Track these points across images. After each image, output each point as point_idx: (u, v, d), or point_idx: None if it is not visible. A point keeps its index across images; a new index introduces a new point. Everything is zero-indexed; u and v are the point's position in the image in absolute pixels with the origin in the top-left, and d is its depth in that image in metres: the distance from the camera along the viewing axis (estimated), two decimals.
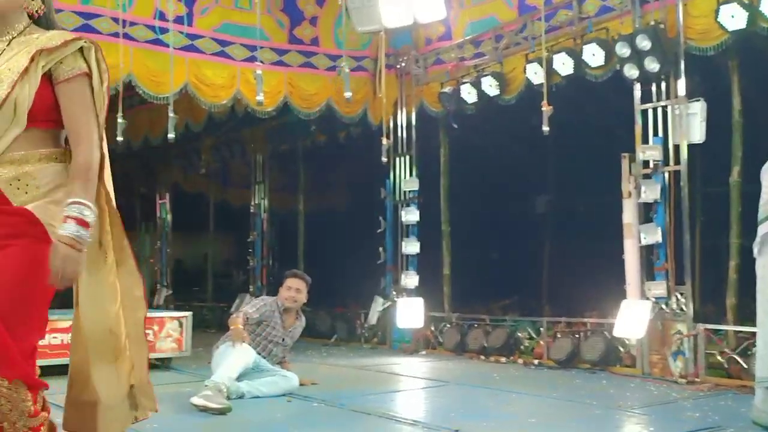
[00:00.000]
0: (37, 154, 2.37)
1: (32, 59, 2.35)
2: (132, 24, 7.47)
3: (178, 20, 7.67)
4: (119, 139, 7.71)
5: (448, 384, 6.52)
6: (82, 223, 2.29)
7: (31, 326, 2.37)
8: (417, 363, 8.04)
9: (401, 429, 4.61)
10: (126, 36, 7.37)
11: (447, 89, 8.64)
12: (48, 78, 2.39)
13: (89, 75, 2.43)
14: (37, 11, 2.49)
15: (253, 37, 7.94)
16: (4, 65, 2.35)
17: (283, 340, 6.04)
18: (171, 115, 7.51)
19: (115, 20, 7.30)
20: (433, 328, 9.02)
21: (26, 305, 2.31)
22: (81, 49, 2.43)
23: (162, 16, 7.59)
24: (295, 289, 6.10)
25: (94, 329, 2.65)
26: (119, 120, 7.53)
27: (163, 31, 7.57)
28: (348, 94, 7.84)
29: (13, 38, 2.43)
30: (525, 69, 7.79)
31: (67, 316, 7.04)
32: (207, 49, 8.02)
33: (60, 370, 6.65)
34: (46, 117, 2.39)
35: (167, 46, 7.52)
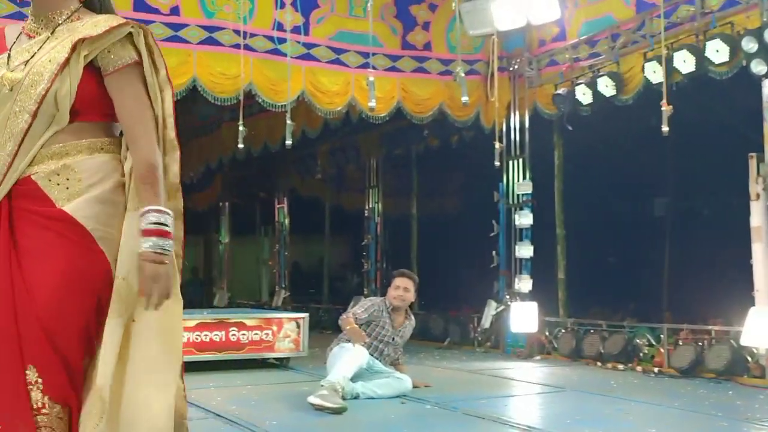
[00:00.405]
0: (79, 145, 2.16)
1: (73, 49, 2.12)
2: (252, 35, 7.76)
3: (296, 30, 7.91)
4: (240, 146, 8.04)
5: (563, 390, 6.41)
6: (163, 233, 2.09)
7: (78, 342, 2.08)
8: (531, 368, 7.94)
9: None
10: (246, 47, 7.67)
11: (561, 91, 8.50)
12: (94, 69, 2.17)
13: (140, 63, 2.20)
14: None
15: (367, 43, 8.09)
16: (46, 56, 2.13)
17: (393, 339, 6.10)
18: (288, 122, 7.76)
19: (237, 32, 7.61)
20: (547, 333, 8.88)
21: (72, 320, 2.06)
22: (130, 36, 2.19)
23: (280, 27, 7.85)
24: (402, 288, 6.15)
25: (140, 351, 2.13)
26: (240, 128, 7.85)
27: (281, 41, 7.82)
28: (465, 99, 7.84)
29: (59, 25, 2.20)
30: (643, 68, 7.56)
31: (194, 315, 7.45)
32: (323, 57, 8.24)
33: (186, 368, 6.99)
34: (92, 111, 2.18)
35: (285, 55, 7.77)
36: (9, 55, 2.18)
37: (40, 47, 2.16)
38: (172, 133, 2.24)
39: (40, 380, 1.97)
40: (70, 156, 2.14)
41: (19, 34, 2.24)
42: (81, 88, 2.13)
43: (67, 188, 2.11)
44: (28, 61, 2.14)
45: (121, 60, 2.16)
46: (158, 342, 2.13)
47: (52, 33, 2.18)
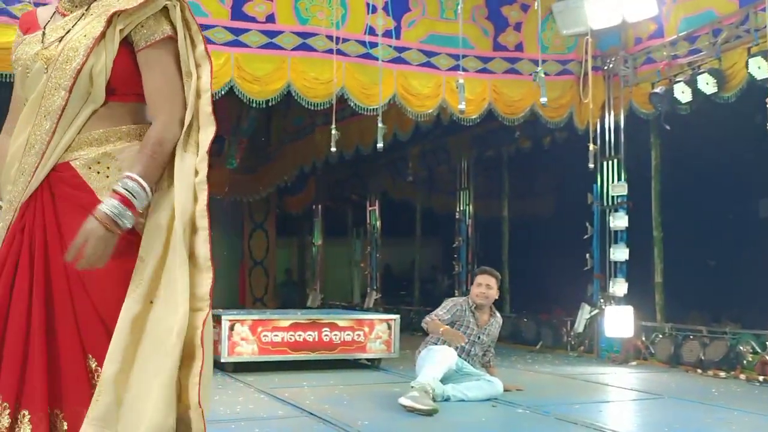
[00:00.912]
0: (118, 132, 2.11)
1: (109, 22, 2.07)
2: (344, 40, 7.89)
3: (387, 34, 7.99)
4: (333, 149, 8.18)
5: (661, 397, 6.23)
6: (127, 203, 1.97)
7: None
8: (627, 374, 7.75)
9: None
10: (339, 52, 7.80)
11: (658, 89, 8.27)
12: (128, 44, 2.11)
13: (174, 38, 2.13)
14: None
15: (458, 46, 8.08)
16: (80, 31, 2.08)
17: (479, 338, 6.06)
18: (380, 125, 7.84)
19: (330, 38, 7.75)
20: (643, 338, 8.64)
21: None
22: (165, 10, 2.12)
23: (372, 31, 7.95)
24: (485, 285, 6.11)
25: (152, 333, 2.00)
26: (333, 131, 7.99)
27: (373, 45, 7.92)
28: (544, 99, 7.74)
29: (93, 1, 2.15)
30: (747, 64, 7.26)
31: (288, 316, 7.62)
32: (414, 61, 8.28)
33: (280, 366, 7.19)
34: (128, 89, 2.12)
35: (377, 59, 7.86)
36: (44, 32, 2.14)
37: (75, 23, 2.12)
38: (208, 108, 2.14)
39: (99, 369, 1.99)
40: (110, 143, 2.09)
41: (53, 14, 2.21)
42: (116, 64, 2.08)
43: (107, 177, 2.07)
44: (62, 37, 2.10)
45: (154, 35, 2.10)
46: (172, 325, 1.98)
47: (87, 9, 2.14)
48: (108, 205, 1.95)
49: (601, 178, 9.19)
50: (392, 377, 7.13)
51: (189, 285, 2.02)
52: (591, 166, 8.82)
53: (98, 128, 2.09)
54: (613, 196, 9.07)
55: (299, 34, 7.74)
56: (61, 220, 2.04)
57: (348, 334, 7.50)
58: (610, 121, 9.10)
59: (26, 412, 1.97)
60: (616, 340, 8.77)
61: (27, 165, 2.07)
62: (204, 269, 2.06)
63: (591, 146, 8.72)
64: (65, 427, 1.99)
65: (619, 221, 8.92)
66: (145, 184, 2.00)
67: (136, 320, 1.99)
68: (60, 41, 2.10)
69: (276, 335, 7.21)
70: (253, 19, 7.55)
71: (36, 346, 1.97)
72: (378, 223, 14.42)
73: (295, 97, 7.85)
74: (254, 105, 7.84)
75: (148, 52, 2.10)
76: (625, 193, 8.98)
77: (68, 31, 2.11)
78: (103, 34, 2.06)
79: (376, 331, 7.61)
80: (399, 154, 12.95)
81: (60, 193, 2.06)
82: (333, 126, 8.00)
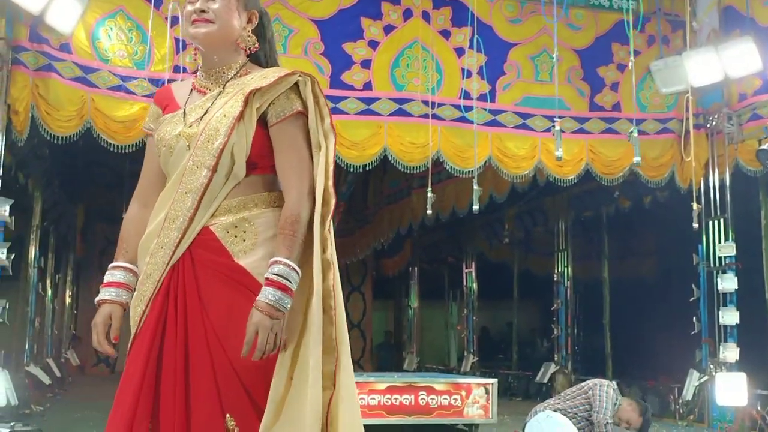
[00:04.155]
0: (255, 199, 2.19)
1: (246, 102, 2.16)
2: (439, 105, 8.02)
3: (482, 98, 8.08)
4: (429, 212, 8.25)
5: None
6: (284, 288, 2.04)
7: (266, 394, 2.08)
8: None
9: None
10: (434, 116, 7.93)
11: (766, 146, 7.97)
12: (263, 120, 2.20)
13: (304, 113, 2.21)
14: (250, 48, 2.29)
15: (553, 107, 8.08)
16: (219, 111, 2.18)
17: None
18: (476, 187, 7.87)
19: (425, 103, 7.91)
20: (759, 408, 8.14)
21: (261, 374, 2.09)
22: (296, 85, 2.20)
23: (467, 96, 8.06)
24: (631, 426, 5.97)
25: (292, 411, 2.08)
26: (429, 194, 8.07)
27: (468, 109, 8.02)
28: (637, 159, 7.57)
29: (229, 80, 2.25)
30: None
31: (384, 379, 7.61)
32: (509, 123, 8.32)
33: (376, 430, 7.17)
34: (265, 163, 2.21)
35: (472, 122, 7.94)
36: (184, 111, 2.24)
37: (213, 102, 2.21)
38: (329, 181, 2.19)
39: (237, 429, 2.05)
40: (247, 209, 2.17)
41: (191, 91, 2.30)
42: (255, 141, 2.16)
43: (244, 240, 2.14)
44: (202, 117, 2.19)
45: (285, 110, 2.18)
46: (307, 404, 2.06)
47: (223, 88, 2.23)
48: (267, 294, 2.03)
49: (706, 238, 8.87)
50: None
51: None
52: (695, 225, 8.52)
53: (236, 197, 2.18)
54: (720, 257, 8.72)
55: (395, 100, 7.94)
56: (200, 283, 2.13)
57: (445, 398, 7.40)
58: (714, 179, 8.82)
59: None
60: (729, 409, 8.30)
61: (168, 238, 2.16)
62: (328, 349, 2.13)
63: (695, 205, 8.45)
64: None
65: (728, 283, 8.54)
66: (294, 266, 2.07)
67: (280, 399, 2.08)
68: (200, 120, 2.20)
69: (372, 398, 7.19)
70: (351, 87, 7.81)
71: (177, 404, 2.06)
72: (474, 285, 14.32)
73: (392, 161, 8.00)
74: (352, 170, 8.03)
75: (280, 128, 2.19)
76: (733, 253, 8.62)
77: (207, 111, 2.21)
78: (241, 114, 2.15)
79: (474, 395, 7.48)
80: (495, 215, 12.91)
81: (199, 258, 2.15)
82: (429, 189, 8.08)
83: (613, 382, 5.93)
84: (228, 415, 2.07)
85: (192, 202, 2.15)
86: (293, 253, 2.09)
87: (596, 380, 5.90)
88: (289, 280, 2.06)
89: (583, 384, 5.98)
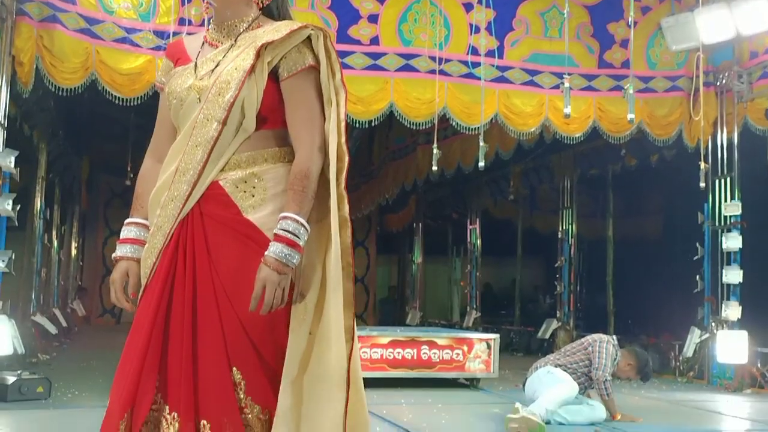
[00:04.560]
0: (264, 154, 2.19)
1: (258, 56, 2.15)
2: (447, 60, 7.94)
3: (490, 54, 8.00)
4: (434, 168, 8.23)
5: None
6: (292, 244, 2.05)
7: (274, 349, 2.14)
8: (741, 402, 7.39)
9: None
10: (441, 72, 7.86)
11: None
12: (274, 75, 2.18)
13: (316, 68, 2.19)
14: (262, 1, 2.28)
15: (562, 64, 7.99)
16: (231, 64, 2.17)
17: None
18: (482, 144, 7.83)
19: (432, 58, 7.83)
20: (759, 365, 8.22)
21: (269, 329, 2.13)
22: (309, 39, 2.18)
23: (475, 51, 7.97)
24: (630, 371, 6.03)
25: (316, 367, 2.14)
26: (434, 150, 8.05)
27: (475, 65, 7.94)
28: (631, 116, 7.51)
29: (241, 33, 2.24)
30: None
31: (387, 333, 7.69)
32: (516, 80, 8.25)
33: (378, 383, 7.27)
34: (275, 117, 2.20)
35: (479, 79, 7.87)
36: (195, 64, 2.24)
37: (224, 56, 2.21)
38: (342, 138, 2.20)
39: (243, 382, 2.08)
40: (257, 165, 2.17)
41: (203, 44, 2.29)
42: (265, 95, 2.16)
43: (253, 196, 2.15)
44: (213, 69, 2.19)
45: (297, 64, 2.17)
46: (332, 357, 2.12)
47: (234, 41, 2.22)
48: (275, 250, 2.04)
49: (712, 197, 8.85)
50: (491, 397, 7.07)
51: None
52: (702, 184, 8.50)
53: (246, 151, 2.18)
54: (725, 216, 8.71)
55: (402, 56, 7.86)
56: (209, 237, 2.14)
57: (447, 353, 7.49)
58: (722, 138, 8.77)
59: (178, 420, 2.07)
60: (729, 367, 8.38)
61: (178, 191, 2.16)
62: (348, 304, 2.16)
63: (702, 164, 8.41)
64: None
65: (733, 242, 8.55)
66: (303, 221, 2.08)
67: (304, 355, 2.12)
68: (212, 73, 2.19)
69: (375, 352, 7.28)
70: (357, 42, 7.73)
71: (184, 357, 2.09)
72: (478, 242, 14.36)
73: (398, 117, 7.96)
74: (358, 125, 8.00)
75: (292, 82, 2.17)
76: (739, 212, 8.61)
77: (218, 64, 2.20)
78: (252, 68, 2.14)
79: (476, 350, 7.56)
80: (501, 172, 12.88)
81: (208, 212, 2.16)
82: (435, 145, 8.06)
83: (613, 338, 5.99)
84: (235, 368, 2.09)
85: (202, 155, 2.15)
86: (303, 208, 2.09)
87: (596, 336, 5.96)
88: (297, 236, 2.06)
89: (583, 340, 6.04)
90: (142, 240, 2.26)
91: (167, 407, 2.08)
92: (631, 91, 7.38)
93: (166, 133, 2.32)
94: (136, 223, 2.28)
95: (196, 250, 2.13)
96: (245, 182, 2.15)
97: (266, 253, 2.05)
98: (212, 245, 2.13)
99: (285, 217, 2.07)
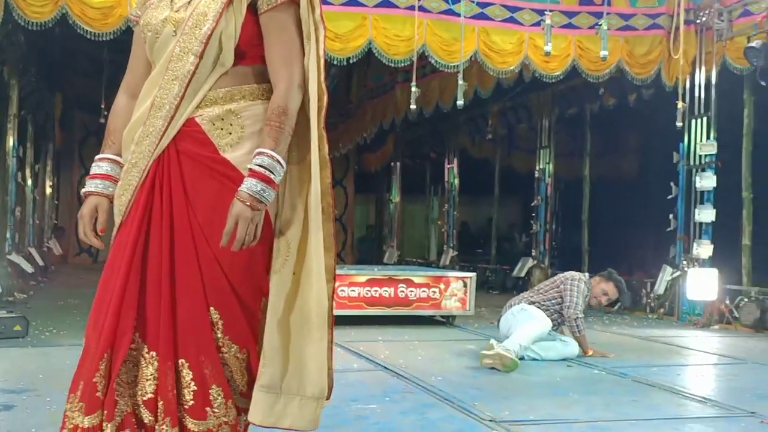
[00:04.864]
0: (242, 90, 2.15)
1: None
2: None
3: None
4: (412, 106, 8.17)
5: (744, 362, 6.09)
6: (267, 180, 2.03)
7: (253, 290, 2.17)
8: (708, 337, 7.58)
9: (688, 405, 4.43)
10: (420, 8, 7.74)
11: (755, 43, 7.88)
12: (253, 7, 2.13)
13: (296, 2, 2.14)
14: None
15: (543, 1, 7.89)
16: None
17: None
18: (460, 82, 7.78)
19: None
20: (728, 302, 8.42)
21: (247, 270, 2.14)
22: None
23: None
24: (609, 297, 6.16)
25: (300, 306, 2.18)
26: (413, 89, 7.99)
27: (456, 1, 7.82)
28: (604, 53, 7.48)
29: None
30: None
31: (364, 271, 7.74)
32: (496, 16, 8.14)
33: (356, 321, 7.35)
34: (254, 52, 2.15)
35: (458, 15, 7.77)
36: None
37: None
38: (322, 76, 2.19)
39: (221, 322, 2.10)
40: (234, 101, 2.13)
41: None
42: (243, 28, 2.11)
43: (230, 134, 2.11)
44: (190, 1, 2.14)
45: None
46: (313, 297, 2.15)
47: None
48: (249, 185, 2.02)
49: (689, 136, 8.90)
50: (466, 334, 7.18)
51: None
52: (679, 124, 8.54)
53: (223, 87, 2.13)
54: (700, 156, 8.78)
55: None
56: (186, 176, 2.12)
57: (423, 291, 7.57)
58: (700, 77, 8.77)
59: (156, 359, 2.09)
60: (699, 303, 8.57)
61: (153, 127, 2.12)
62: (328, 244, 2.19)
63: (680, 103, 8.44)
64: (190, 376, 2.09)
65: (707, 181, 8.64)
66: (279, 158, 2.06)
67: (288, 295, 2.17)
68: (188, 5, 2.14)
69: (353, 290, 7.35)
70: None
71: (163, 296, 2.09)
72: (456, 181, 14.40)
73: (376, 55, 7.86)
74: (335, 63, 7.89)
75: (271, 15, 2.12)
76: (714, 152, 8.68)
77: None
78: (231, 0, 2.09)
79: (452, 288, 7.65)
80: (479, 111, 12.84)
81: (184, 149, 2.13)
82: (413, 83, 7.99)
83: (585, 275, 6.08)
84: (212, 308, 2.11)
85: (178, 89, 2.10)
86: (279, 144, 2.07)
87: (568, 274, 6.04)
88: (272, 172, 2.04)
89: (555, 278, 6.14)
90: (113, 176, 2.23)
91: (146, 346, 2.09)
92: (605, 27, 7.33)
93: (140, 68, 2.27)
94: (108, 159, 2.24)
95: (172, 188, 2.11)
96: (222, 119, 2.12)
97: (240, 188, 2.03)
98: (189, 184, 2.11)
99: (260, 153, 2.05)
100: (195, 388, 2.08)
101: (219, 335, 2.11)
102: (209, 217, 2.10)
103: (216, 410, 2.09)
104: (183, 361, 2.08)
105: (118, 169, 2.22)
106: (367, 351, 5.84)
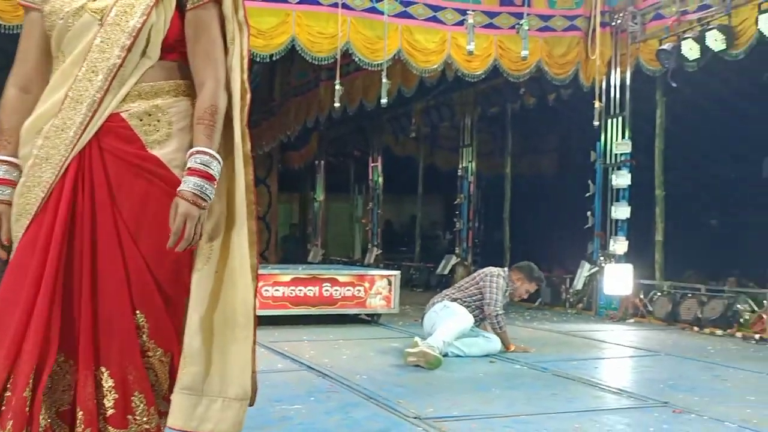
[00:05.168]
0: (167, 86, 2.10)
1: None
2: None
3: None
4: (336, 104, 8.14)
5: (657, 354, 6.30)
6: (207, 176, 2.01)
7: (179, 290, 2.12)
8: (624, 331, 7.83)
9: (605, 397, 4.56)
10: (344, 6, 7.71)
11: (666, 46, 8.17)
12: (179, 3, 2.10)
13: (219, 2, 2.13)
14: None
15: (465, 0, 7.98)
16: None
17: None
18: (384, 80, 7.79)
19: None
20: (642, 296, 8.71)
21: (173, 270, 2.10)
22: None
23: None
24: (532, 291, 6.39)
25: (224, 304, 2.14)
26: (337, 86, 7.95)
27: None
28: (525, 53, 7.65)
29: None
30: (757, 20, 7.17)
31: (288, 271, 7.67)
32: (419, 15, 8.19)
33: (280, 321, 7.28)
34: (179, 48, 2.12)
35: (382, 13, 7.78)
36: None
37: None
38: (245, 75, 2.19)
39: (147, 325, 2.04)
40: (160, 97, 2.08)
41: None
42: (172, 23, 2.08)
43: (158, 130, 2.06)
44: None
45: None
46: (238, 296, 2.13)
47: None
48: (192, 183, 1.99)
49: (605, 135, 9.16)
50: (391, 332, 7.20)
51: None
52: (596, 123, 8.78)
53: (149, 81, 2.08)
54: (616, 154, 9.05)
55: None
56: (110, 174, 2.04)
57: (348, 290, 7.55)
58: (616, 78, 9.03)
59: (75, 368, 2.01)
60: (615, 298, 8.83)
61: (71, 121, 2.01)
62: (251, 242, 2.17)
63: (596, 103, 8.67)
64: (111, 384, 2.01)
65: (622, 179, 8.91)
66: (216, 155, 2.05)
67: (211, 294, 2.11)
68: None
69: (277, 290, 7.27)
70: None
71: (83, 303, 2.00)
72: (380, 179, 14.43)
73: (300, 52, 7.79)
74: (258, 59, 7.78)
75: (196, 13, 2.10)
76: (628, 151, 8.95)
77: None
78: None
79: (377, 286, 7.67)
80: (403, 110, 12.90)
81: (108, 147, 2.04)
82: (337, 81, 7.96)
83: (504, 270, 6.17)
84: (138, 312, 2.04)
85: (102, 82, 2.02)
86: (214, 142, 2.06)
87: (487, 270, 6.12)
88: (211, 169, 2.03)
89: (475, 274, 6.22)
90: (9, 180, 2.07)
91: (63, 354, 2.00)
92: (525, 27, 7.47)
93: (35, 59, 2.13)
94: (3, 162, 2.08)
95: (96, 186, 2.02)
96: (149, 115, 2.06)
97: (182, 188, 2.00)
98: (114, 182, 2.03)
99: (199, 151, 2.03)
100: (116, 395, 2.01)
101: (144, 339, 2.05)
102: (137, 216, 2.03)
103: (137, 417, 2.03)
104: (103, 368, 2.01)
105: (16, 174, 2.07)
106: (292, 351, 5.79)
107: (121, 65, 2.03)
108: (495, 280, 5.97)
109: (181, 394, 2.08)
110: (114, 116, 2.04)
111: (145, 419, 2.04)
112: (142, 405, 2.03)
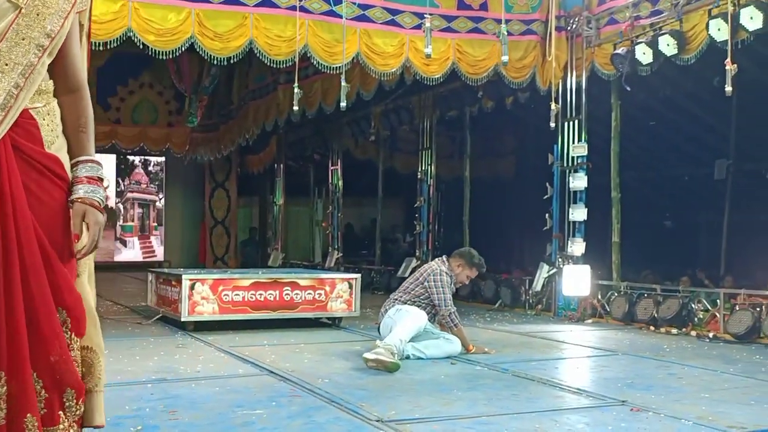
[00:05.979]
0: (51, 85, 2.12)
1: None
2: None
3: None
4: (295, 108, 8.11)
5: (615, 354, 6.39)
6: (101, 185, 2.12)
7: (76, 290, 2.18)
8: (582, 331, 7.93)
9: (565, 397, 4.61)
10: (302, 9, 7.69)
11: (620, 50, 8.32)
12: None
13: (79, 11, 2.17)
14: None
15: (423, 4, 8.02)
16: None
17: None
18: (343, 84, 7.78)
19: None
20: (600, 297, 8.83)
21: (72, 268, 2.15)
22: None
23: None
24: (474, 277, 6.42)
25: (90, 306, 2.24)
26: (296, 90, 7.92)
27: (337, 2, 7.82)
28: (505, 59, 7.74)
29: None
30: (707, 26, 7.34)
31: (248, 275, 7.60)
32: (378, 19, 8.20)
33: (241, 325, 7.21)
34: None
35: (340, 17, 7.77)
36: None
37: None
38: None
39: (68, 320, 2.08)
40: (54, 98, 2.12)
41: None
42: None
43: (52, 130, 2.10)
44: None
45: (84, 2, 2.16)
46: (90, 298, 2.24)
47: None
48: (91, 191, 2.08)
49: (562, 138, 9.27)
50: (353, 336, 7.19)
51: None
52: (552, 125, 8.88)
53: (47, 80, 2.10)
54: (573, 157, 9.16)
55: None
56: (23, 173, 2.02)
57: (309, 294, 7.53)
58: (572, 81, 9.15)
59: (3, 377, 1.97)
60: (573, 299, 8.94)
61: None
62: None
63: (553, 106, 8.77)
64: (41, 385, 2.01)
65: (579, 182, 9.03)
66: (96, 160, 2.16)
67: (85, 297, 2.20)
68: None
69: (237, 294, 7.21)
70: None
71: (6, 307, 1.96)
72: (340, 183, 14.40)
73: (258, 55, 7.75)
74: (215, 62, 7.72)
75: (77, 16, 2.15)
76: (585, 153, 9.07)
77: None
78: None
79: (338, 290, 7.65)
80: (362, 113, 12.90)
81: (18, 143, 2.02)
82: (296, 84, 7.93)
83: (444, 263, 6.15)
84: (59, 308, 2.06)
85: (18, 79, 2.00)
86: (93, 148, 2.17)
87: (428, 268, 6.13)
88: (102, 175, 2.15)
89: (417, 273, 6.23)
90: None
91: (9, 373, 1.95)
92: (505, 32, 7.53)
93: None
94: None
95: (13, 186, 1.97)
96: (48, 115, 2.10)
97: (90, 197, 2.08)
98: (26, 182, 2.01)
99: (91, 160, 2.12)
100: (46, 395, 2.01)
101: (67, 334, 2.08)
102: (47, 216, 2.05)
103: (68, 412, 2.06)
104: (36, 374, 2.00)
105: None
106: (253, 356, 5.75)
107: (36, 64, 2.04)
108: (439, 278, 6.00)
109: (102, 392, 2.23)
110: (26, 112, 2.05)
111: (74, 411, 2.08)
112: (72, 399, 2.08)
